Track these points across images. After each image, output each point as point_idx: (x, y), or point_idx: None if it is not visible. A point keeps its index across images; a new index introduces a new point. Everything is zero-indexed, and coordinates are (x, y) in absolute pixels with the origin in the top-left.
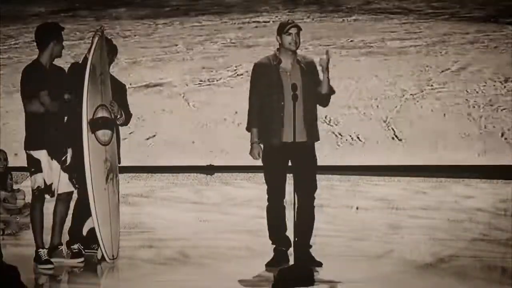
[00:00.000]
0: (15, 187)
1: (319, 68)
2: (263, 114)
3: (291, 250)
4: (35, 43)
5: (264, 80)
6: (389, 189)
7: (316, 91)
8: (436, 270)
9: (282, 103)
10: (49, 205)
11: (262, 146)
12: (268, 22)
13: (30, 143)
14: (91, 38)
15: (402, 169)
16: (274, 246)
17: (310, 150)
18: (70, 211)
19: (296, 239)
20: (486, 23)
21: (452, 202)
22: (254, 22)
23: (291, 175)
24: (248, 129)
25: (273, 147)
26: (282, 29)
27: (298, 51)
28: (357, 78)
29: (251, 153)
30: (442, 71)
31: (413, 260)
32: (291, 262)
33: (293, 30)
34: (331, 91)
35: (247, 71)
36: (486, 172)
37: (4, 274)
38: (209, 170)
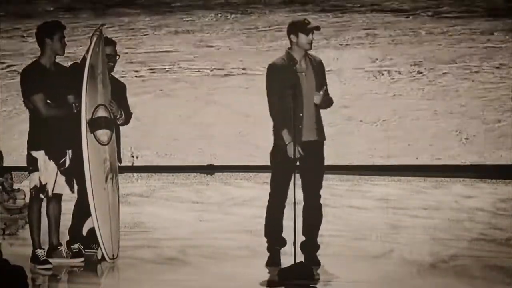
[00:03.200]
0: (15, 187)
1: (317, 101)
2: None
3: (287, 250)
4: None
5: (282, 81)
6: (389, 189)
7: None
8: (436, 270)
9: (302, 103)
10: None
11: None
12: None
13: (31, 143)
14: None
15: (402, 169)
16: (268, 245)
17: (320, 149)
18: (70, 211)
19: (304, 238)
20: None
21: (452, 202)
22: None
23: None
24: (277, 131)
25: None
26: (299, 28)
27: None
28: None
29: (289, 153)
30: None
31: (413, 260)
32: (291, 261)
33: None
34: (330, 103)
35: (250, 71)
36: (486, 172)
37: (11, 275)
38: (209, 170)
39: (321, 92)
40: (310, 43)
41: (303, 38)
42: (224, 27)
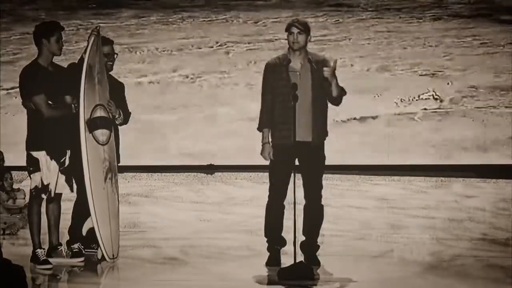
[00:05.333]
0: (15, 186)
1: (326, 74)
2: (274, 114)
3: (287, 250)
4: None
5: (274, 80)
6: (389, 188)
7: (327, 91)
8: (436, 270)
9: (292, 103)
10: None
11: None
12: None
13: (31, 144)
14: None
15: (402, 169)
16: (268, 244)
17: (318, 149)
18: (69, 211)
19: (305, 238)
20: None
21: (452, 202)
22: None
23: (296, 174)
24: (260, 129)
25: (283, 147)
26: (286, 28)
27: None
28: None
29: (262, 153)
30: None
31: (413, 260)
32: (291, 261)
33: (294, 30)
34: (343, 92)
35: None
36: (486, 172)
37: (11, 274)
38: (209, 169)
39: (333, 66)
40: (294, 42)
41: (288, 38)
42: (226, 25)
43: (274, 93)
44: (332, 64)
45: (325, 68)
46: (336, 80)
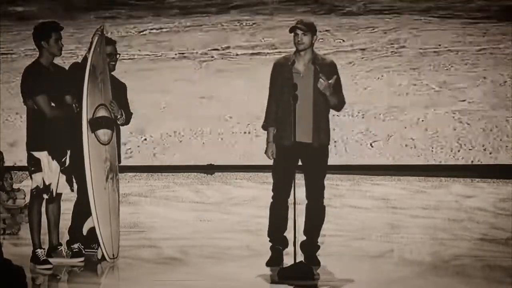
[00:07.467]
0: (15, 186)
1: (320, 86)
2: (278, 114)
3: (287, 250)
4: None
5: (279, 79)
6: (389, 188)
7: (326, 99)
8: (436, 270)
9: (292, 103)
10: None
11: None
12: None
13: (32, 144)
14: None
15: (402, 169)
16: (271, 244)
17: (319, 151)
18: (69, 211)
19: (305, 238)
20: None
21: (452, 202)
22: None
23: (298, 174)
24: (265, 127)
25: (284, 147)
26: (291, 29)
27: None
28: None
29: (266, 152)
30: (437, 71)
31: (413, 260)
32: (291, 261)
33: (298, 31)
34: (341, 103)
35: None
36: (486, 172)
37: (11, 275)
38: (209, 169)
39: (330, 81)
40: (297, 43)
41: (294, 38)
42: (226, 25)
43: (279, 93)
44: (329, 77)
45: (320, 80)
46: (332, 92)
